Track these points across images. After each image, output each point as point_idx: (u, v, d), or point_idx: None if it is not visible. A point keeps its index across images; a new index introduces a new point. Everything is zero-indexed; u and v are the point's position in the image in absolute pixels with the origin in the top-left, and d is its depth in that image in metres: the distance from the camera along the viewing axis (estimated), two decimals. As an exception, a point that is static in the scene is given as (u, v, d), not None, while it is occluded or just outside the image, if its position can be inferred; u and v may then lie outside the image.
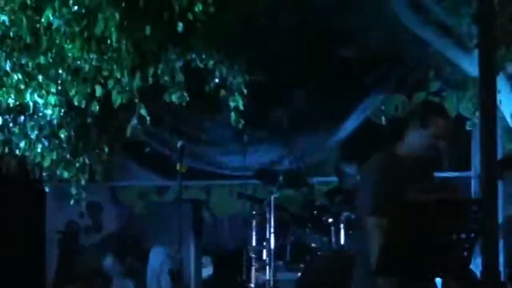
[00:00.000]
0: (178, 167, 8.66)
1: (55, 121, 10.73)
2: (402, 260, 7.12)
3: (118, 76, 9.71)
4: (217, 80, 11.02)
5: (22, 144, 10.88)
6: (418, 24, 12.37)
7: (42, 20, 8.97)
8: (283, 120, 13.50)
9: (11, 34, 9.24)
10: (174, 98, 10.69)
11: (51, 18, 8.89)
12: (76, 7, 8.93)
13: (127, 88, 9.98)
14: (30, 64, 9.55)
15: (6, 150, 11.01)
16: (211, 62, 10.66)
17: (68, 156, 11.36)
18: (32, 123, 10.69)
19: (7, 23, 9.02)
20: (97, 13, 8.91)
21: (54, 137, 10.95)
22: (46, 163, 11.14)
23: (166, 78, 10.18)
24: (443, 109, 7.48)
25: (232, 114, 12.13)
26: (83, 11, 9.00)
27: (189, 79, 10.73)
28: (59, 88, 9.97)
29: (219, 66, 10.82)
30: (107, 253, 13.05)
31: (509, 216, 11.27)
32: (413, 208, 7.11)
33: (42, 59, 9.53)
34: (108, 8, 8.87)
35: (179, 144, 9.08)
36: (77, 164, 11.50)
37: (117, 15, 8.90)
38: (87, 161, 11.62)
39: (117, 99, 9.99)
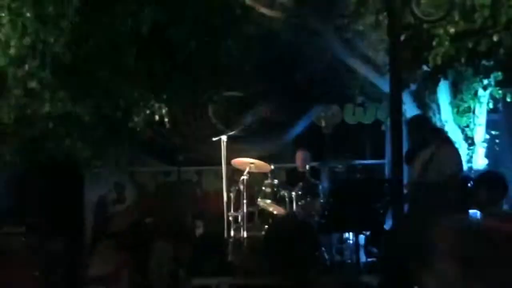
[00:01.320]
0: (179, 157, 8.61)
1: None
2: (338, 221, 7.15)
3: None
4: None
5: (67, 142, 10.80)
6: (347, 55, 12.37)
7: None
8: (253, 123, 13.48)
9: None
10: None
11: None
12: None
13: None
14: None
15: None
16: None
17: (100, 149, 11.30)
18: (75, 130, 10.60)
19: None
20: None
21: (90, 136, 10.88)
22: (85, 155, 11.08)
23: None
24: None
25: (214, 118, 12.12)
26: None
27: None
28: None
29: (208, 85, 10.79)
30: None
31: None
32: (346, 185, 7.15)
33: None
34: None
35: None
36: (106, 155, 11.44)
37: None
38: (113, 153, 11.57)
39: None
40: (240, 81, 11.48)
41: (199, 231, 12.64)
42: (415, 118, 8.90)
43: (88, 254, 12.18)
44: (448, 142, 8.74)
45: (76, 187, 14.14)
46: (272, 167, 12.18)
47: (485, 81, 10.80)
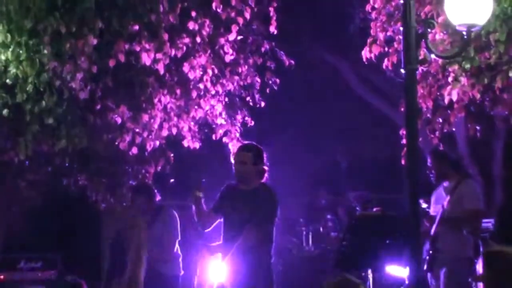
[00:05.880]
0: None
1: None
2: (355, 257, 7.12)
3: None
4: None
5: (84, 178, 10.84)
6: (365, 91, 12.45)
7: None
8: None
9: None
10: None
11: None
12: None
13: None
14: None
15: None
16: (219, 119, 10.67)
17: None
18: (92, 165, 10.64)
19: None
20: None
21: (108, 173, 10.90)
22: (101, 190, 11.11)
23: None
24: None
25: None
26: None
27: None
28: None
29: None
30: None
31: None
32: (362, 220, 7.14)
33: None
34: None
35: (203, 180, 9.00)
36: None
37: None
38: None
39: None
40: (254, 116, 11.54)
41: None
42: (435, 151, 8.93)
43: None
44: (468, 176, 8.76)
45: (93, 221, 14.19)
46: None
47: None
